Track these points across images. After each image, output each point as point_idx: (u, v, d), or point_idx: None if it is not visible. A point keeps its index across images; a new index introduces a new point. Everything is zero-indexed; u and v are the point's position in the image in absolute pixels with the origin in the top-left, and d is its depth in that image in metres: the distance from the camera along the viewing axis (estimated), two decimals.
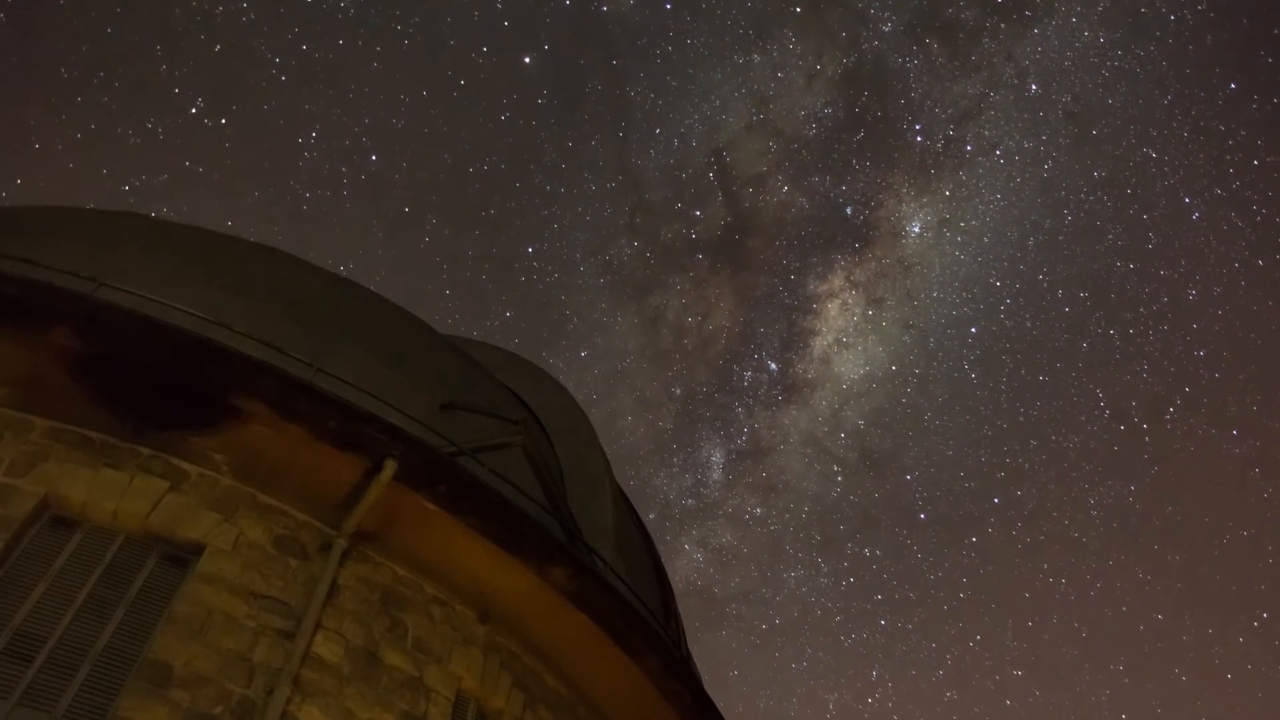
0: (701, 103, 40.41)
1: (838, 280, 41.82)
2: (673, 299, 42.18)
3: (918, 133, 39.74)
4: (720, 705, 8.35)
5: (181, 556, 6.02)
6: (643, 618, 7.65)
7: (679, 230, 41.68)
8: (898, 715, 39.07)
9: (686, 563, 40.39)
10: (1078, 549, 38.95)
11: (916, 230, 40.81)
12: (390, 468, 6.35)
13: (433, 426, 7.72)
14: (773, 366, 42.05)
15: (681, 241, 41.93)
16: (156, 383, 6.24)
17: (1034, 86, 38.37)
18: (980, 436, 41.02)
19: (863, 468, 42.45)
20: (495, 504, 6.87)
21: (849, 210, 40.81)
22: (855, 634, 40.26)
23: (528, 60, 39.56)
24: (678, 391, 42.44)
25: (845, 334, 41.50)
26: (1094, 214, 38.82)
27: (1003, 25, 38.27)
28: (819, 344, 41.82)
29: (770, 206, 41.44)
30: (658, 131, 40.76)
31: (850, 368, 41.77)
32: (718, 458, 41.99)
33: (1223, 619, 36.79)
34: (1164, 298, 37.69)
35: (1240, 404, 36.66)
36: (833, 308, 41.53)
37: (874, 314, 41.67)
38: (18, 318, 6.03)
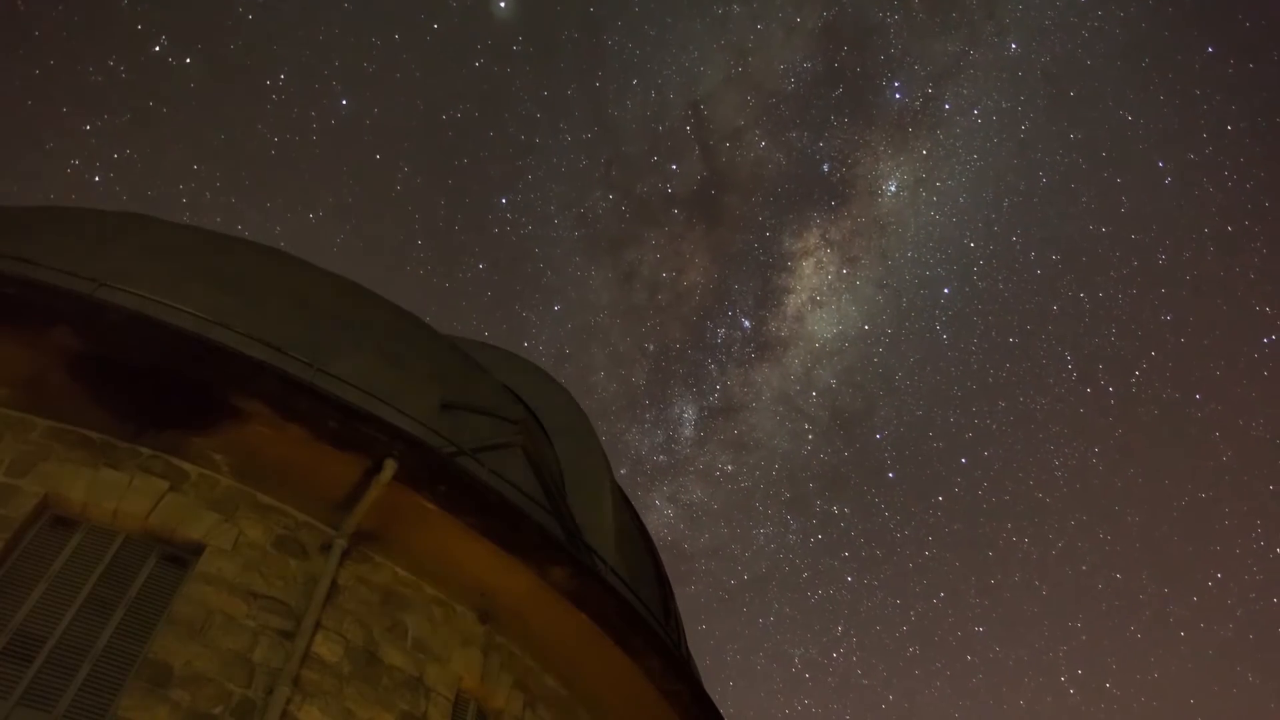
0: (680, 54, 40.16)
1: (813, 238, 41.91)
2: (647, 254, 42.04)
3: (896, 90, 39.85)
4: None
5: (181, 556, 6.02)
6: (643, 618, 7.65)
7: (655, 184, 41.38)
8: (861, 669, 39.74)
9: (657, 518, 40.64)
10: (1041, 509, 39.68)
11: (893, 189, 40.99)
12: (390, 468, 6.35)
13: (433, 426, 7.72)
14: (746, 324, 42.36)
15: (657, 195, 41.64)
16: (156, 383, 6.24)
17: (1014, 45, 38.58)
18: (950, 397, 41.50)
19: (833, 426, 42.81)
20: (495, 504, 6.87)
21: (826, 167, 40.87)
22: (822, 590, 40.85)
23: (503, 4, 38.75)
24: (651, 347, 42.58)
25: (819, 292, 41.70)
26: (1069, 176, 39.04)
27: None
28: (793, 302, 42.01)
29: (747, 162, 41.33)
30: (635, 82, 40.44)
31: (823, 326, 42.09)
32: (690, 414, 42.28)
33: (1178, 578, 37.69)
34: (1134, 262, 38.08)
35: (1204, 369, 37.29)
36: (807, 266, 41.68)
37: (848, 273, 41.82)
38: (18, 318, 6.03)
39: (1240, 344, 36.25)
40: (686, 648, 10.90)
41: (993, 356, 40.79)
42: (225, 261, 9.30)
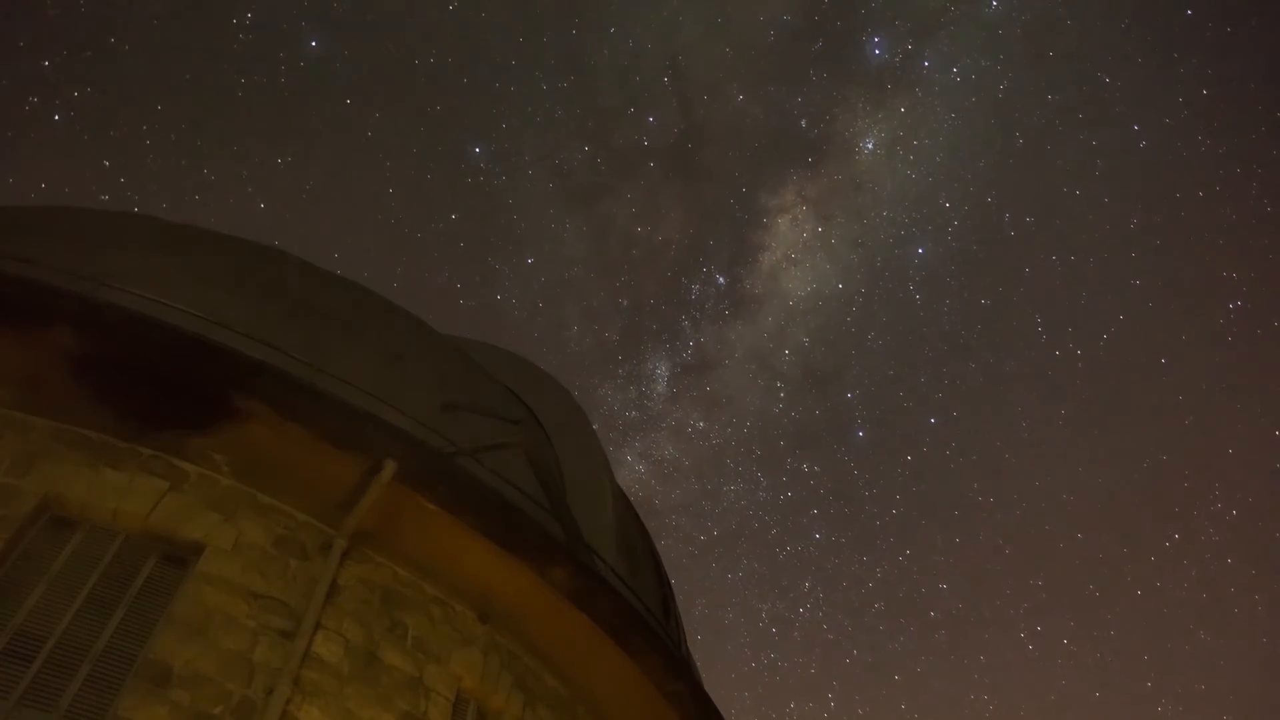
0: (659, 3, 39.55)
1: (789, 195, 41.70)
2: (622, 207, 41.56)
3: (876, 46, 39.63)
4: None
5: (181, 556, 6.02)
6: (643, 618, 7.65)
7: (631, 136, 40.77)
8: (827, 624, 40.19)
9: (628, 474, 40.64)
10: (1007, 469, 40.30)
11: (870, 147, 40.75)
12: (390, 468, 6.35)
13: (433, 426, 7.72)
14: (721, 280, 42.21)
15: (633, 148, 41.04)
16: (156, 383, 6.24)
17: (994, 3, 38.31)
18: (921, 357, 41.74)
19: (805, 385, 42.86)
20: (495, 504, 6.87)
21: (803, 123, 40.58)
22: (790, 547, 41.13)
23: None
24: (624, 302, 42.31)
25: (794, 250, 41.55)
26: (1044, 137, 39.08)
27: None
28: (768, 259, 41.91)
29: (724, 116, 40.93)
30: (613, 31, 39.78)
31: (798, 284, 41.97)
32: (663, 370, 42.21)
33: (1137, 539, 38.21)
34: (1106, 225, 38.30)
35: (1171, 333, 37.66)
36: (783, 223, 41.52)
37: (823, 231, 41.70)
38: (18, 318, 6.03)
39: (1206, 309, 36.81)
40: (687, 648, 10.90)
41: (964, 317, 41.23)
42: (225, 261, 9.29)
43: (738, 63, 40.66)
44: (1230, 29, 34.90)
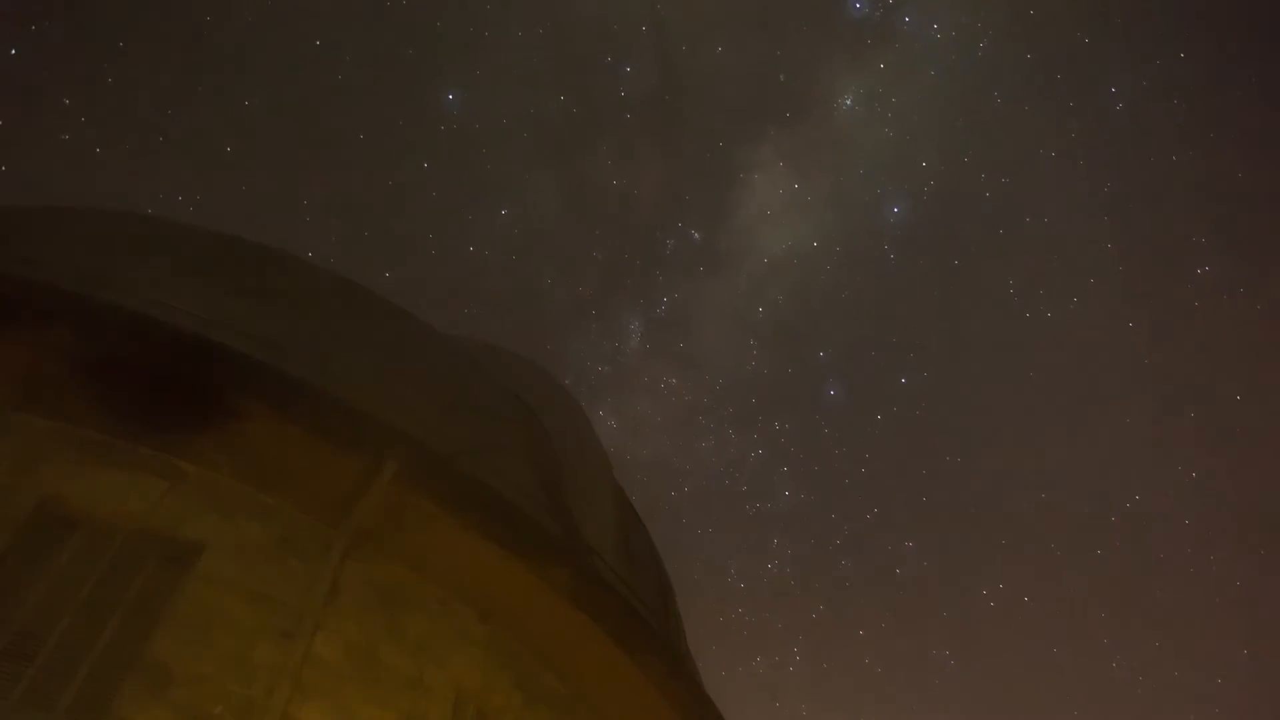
0: None
1: (766, 150, 41.51)
2: (598, 160, 41.01)
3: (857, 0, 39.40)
4: None
5: (181, 556, 6.01)
6: (643, 618, 7.65)
7: (608, 87, 40.07)
8: (794, 580, 40.62)
9: (599, 429, 40.41)
10: (975, 429, 40.87)
11: (848, 104, 40.51)
12: (390, 468, 6.35)
13: (433, 426, 7.72)
14: (696, 236, 41.99)
15: (610, 99, 40.42)
16: (156, 383, 6.23)
17: None
18: (893, 317, 41.99)
19: (778, 343, 42.80)
20: (495, 504, 6.87)
21: (782, 77, 40.22)
22: (759, 504, 41.43)
23: None
24: (598, 257, 41.96)
25: (770, 207, 41.40)
26: (1022, 97, 39.08)
27: None
28: (743, 216, 41.72)
29: (703, 68, 40.43)
30: None
31: (773, 241, 41.88)
32: (636, 326, 42.03)
33: (1099, 499, 38.76)
34: (1080, 188, 38.42)
35: (1140, 297, 38.05)
36: (759, 179, 41.24)
37: (800, 188, 41.44)
38: (18, 318, 6.03)
39: (1175, 274, 37.18)
40: (686, 647, 10.90)
41: (938, 278, 41.40)
42: (225, 261, 9.29)
43: (718, 14, 40.10)
44: None
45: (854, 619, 39.90)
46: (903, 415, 41.17)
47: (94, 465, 6.05)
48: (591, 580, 7.29)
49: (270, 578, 6.11)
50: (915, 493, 40.74)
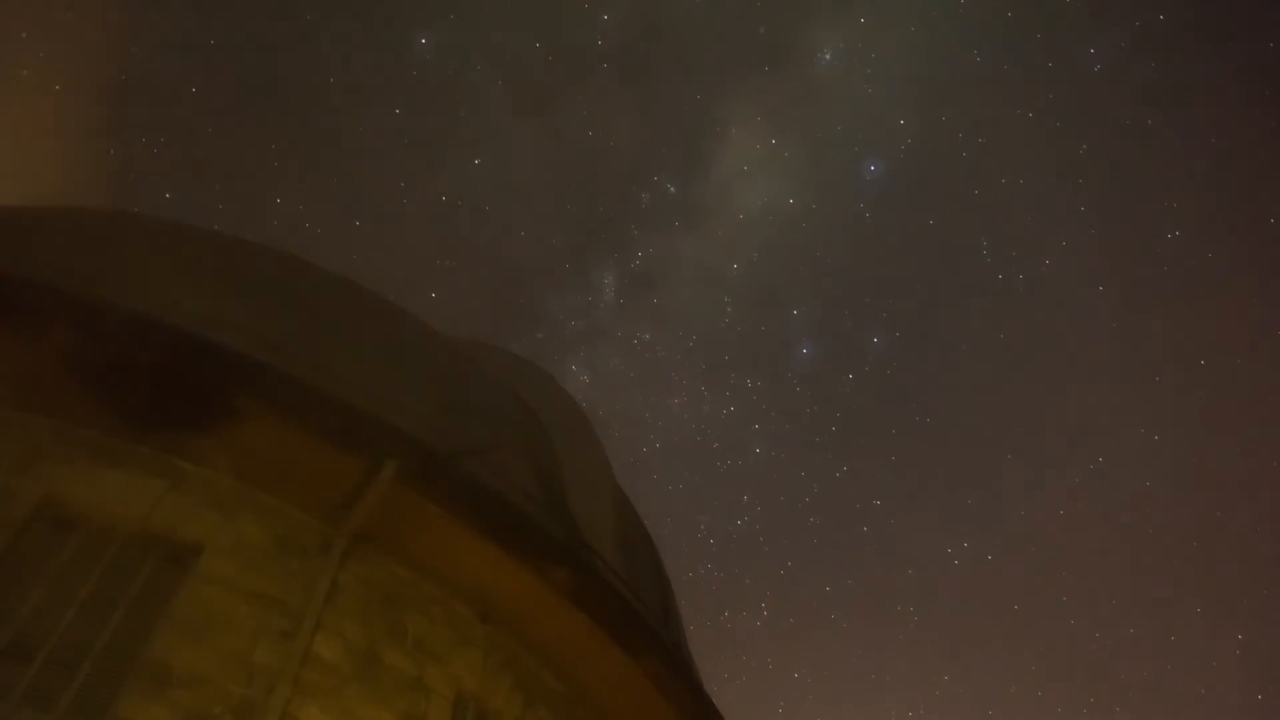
0: None
1: (744, 104, 41.00)
2: (573, 110, 40.10)
3: None
4: None
5: (181, 556, 6.02)
6: (643, 618, 7.66)
7: (585, 35, 39.20)
8: (764, 537, 40.97)
9: (572, 384, 40.08)
10: (945, 389, 41.08)
11: (828, 58, 40.11)
12: (390, 468, 6.35)
13: (433, 426, 7.72)
14: (671, 190, 41.54)
15: (587, 47, 39.57)
16: (156, 383, 6.23)
17: None
18: (867, 276, 41.99)
19: (752, 300, 42.70)
20: (495, 504, 6.87)
21: (762, 29, 39.66)
22: (730, 460, 41.59)
23: None
24: (572, 209, 41.46)
25: (747, 162, 40.99)
26: (1001, 56, 39.00)
27: None
28: (720, 170, 41.34)
29: (682, 18, 39.76)
30: None
31: (749, 197, 41.51)
32: (610, 280, 41.73)
33: (1064, 458, 39.26)
34: (1056, 149, 38.38)
35: (1111, 260, 38.22)
36: (737, 133, 40.85)
37: (777, 143, 40.96)
38: (18, 318, 6.03)
39: (1147, 237, 37.40)
40: (687, 648, 10.90)
41: (911, 236, 41.45)
42: (225, 261, 9.29)
43: None
44: None
45: (821, 575, 40.65)
46: (874, 374, 41.55)
47: (94, 465, 6.05)
48: (591, 580, 7.29)
49: (270, 578, 6.11)
50: (884, 452, 41.18)
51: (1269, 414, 34.81)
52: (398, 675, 6.32)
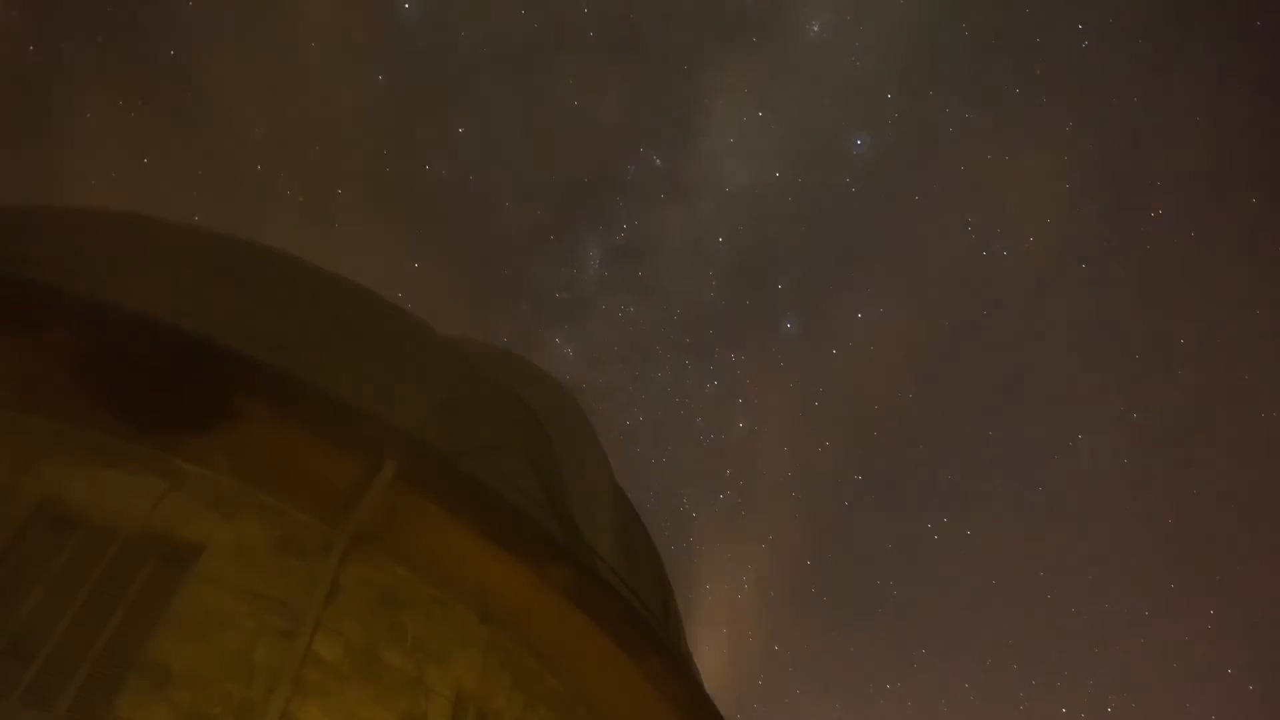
0: None
1: (731, 76, 40.54)
2: (559, 79, 39.37)
3: None
4: None
5: (181, 556, 6.02)
6: (643, 618, 7.66)
7: (571, 3, 38.41)
8: (745, 510, 40.94)
9: (555, 357, 40.01)
10: (927, 364, 41.13)
11: (816, 30, 39.68)
12: (390, 468, 6.35)
13: (433, 426, 7.72)
14: (657, 162, 41.11)
15: (574, 15, 38.91)
16: (156, 383, 6.24)
17: None
18: (852, 251, 41.83)
19: (737, 274, 42.54)
20: (495, 504, 6.87)
21: (750, 0, 39.29)
22: (714, 435, 41.51)
23: None
24: (557, 180, 41.18)
25: (734, 134, 40.56)
26: (989, 32, 38.71)
27: None
28: (706, 143, 41.02)
29: None
30: None
31: (735, 170, 41.19)
32: (595, 253, 41.42)
33: (1044, 436, 39.62)
34: (1042, 127, 38.29)
35: (1094, 237, 38.16)
36: (723, 105, 40.46)
37: (764, 116, 40.43)
38: (18, 318, 6.03)
39: (1130, 216, 37.38)
40: (687, 648, 10.90)
41: (897, 213, 41.19)
42: (226, 261, 9.30)
43: None
44: None
45: (802, 550, 41.13)
46: (857, 350, 41.30)
47: (94, 465, 6.05)
48: (591, 580, 7.29)
49: (270, 578, 6.11)
50: (866, 428, 41.13)
51: (1249, 392, 35.17)
52: (398, 675, 6.33)
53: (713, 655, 37.18)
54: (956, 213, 39.72)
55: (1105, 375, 38.21)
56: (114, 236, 8.97)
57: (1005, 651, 38.15)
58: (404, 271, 37.31)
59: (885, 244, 41.65)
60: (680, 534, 39.32)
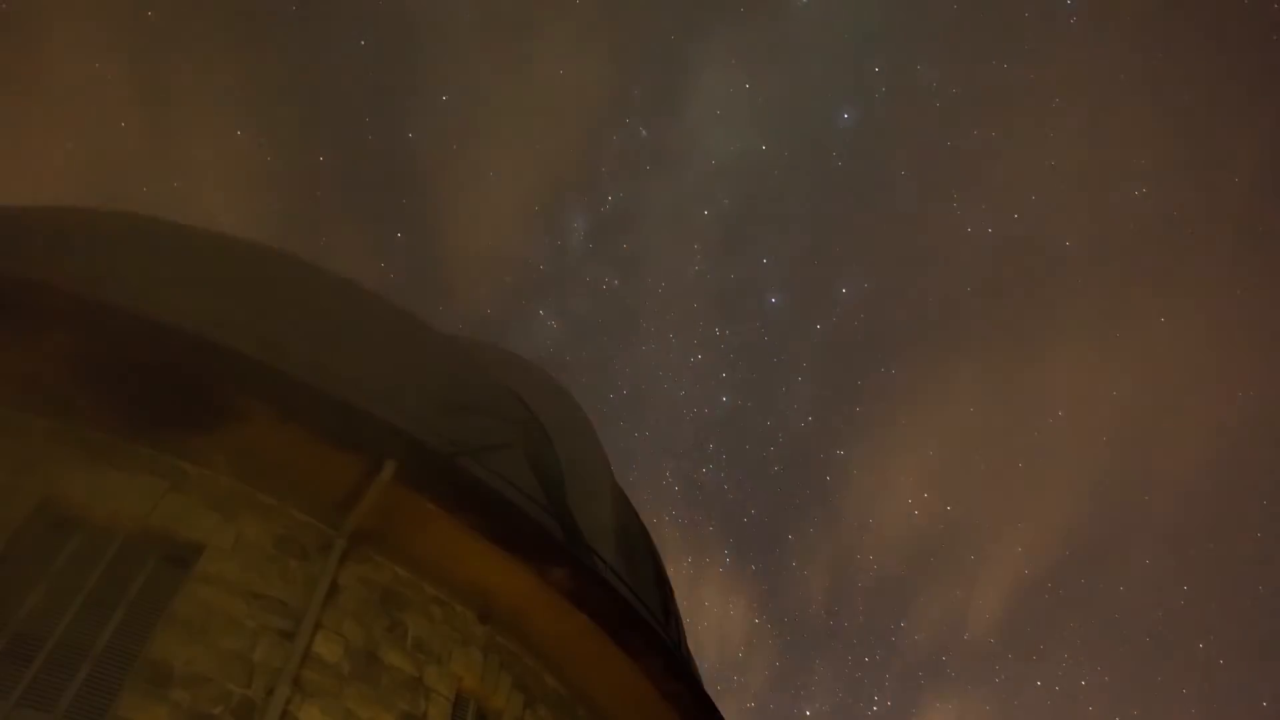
0: None
1: (718, 47, 40.38)
2: (545, 47, 38.83)
3: None
4: None
5: (181, 556, 6.02)
6: (643, 618, 7.65)
7: None
8: (728, 485, 41.21)
9: (540, 329, 40.05)
10: (911, 341, 41.38)
11: (804, 1, 39.66)
12: (390, 468, 6.35)
13: (433, 426, 7.72)
14: (643, 133, 40.99)
15: None
16: (156, 383, 6.23)
17: None
18: (837, 225, 41.82)
19: (721, 248, 42.39)
20: (495, 504, 6.87)
21: None
22: (697, 409, 41.69)
23: None
24: (543, 149, 40.55)
25: (720, 106, 40.46)
26: (977, 6, 38.73)
27: None
28: (692, 114, 40.79)
29: None
30: None
31: (721, 142, 41.01)
32: (580, 224, 41.31)
33: (1024, 413, 39.68)
34: (1028, 102, 38.38)
35: (1078, 214, 38.36)
36: (710, 76, 40.23)
37: (750, 88, 40.39)
38: (18, 318, 6.03)
39: (1115, 192, 37.49)
40: (687, 648, 10.90)
41: (883, 187, 41.15)
42: (225, 261, 9.30)
43: None
44: None
45: (784, 523, 41.03)
46: (842, 326, 41.36)
47: (94, 465, 6.05)
48: (591, 580, 7.29)
49: (270, 578, 6.12)
50: (849, 403, 41.21)
51: (1229, 367, 35.39)
52: (397, 675, 6.33)
53: (694, 627, 37.48)
54: (942, 189, 39.81)
55: (1086, 352, 38.49)
56: (114, 236, 8.97)
57: (983, 624, 38.60)
58: (386, 241, 37.24)
59: (871, 218, 41.60)
60: (662, 507, 39.67)
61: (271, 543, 6.30)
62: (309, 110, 36.52)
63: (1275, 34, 33.06)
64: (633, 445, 40.60)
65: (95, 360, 6.11)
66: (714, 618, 38.85)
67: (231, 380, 6.24)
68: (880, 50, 39.69)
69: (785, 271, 42.25)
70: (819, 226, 42.02)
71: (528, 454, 8.79)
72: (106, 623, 5.54)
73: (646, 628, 7.63)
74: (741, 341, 41.95)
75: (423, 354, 9.85)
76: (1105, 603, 37.25)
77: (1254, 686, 34.42)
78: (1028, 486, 39.04)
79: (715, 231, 42.21)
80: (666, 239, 41.87)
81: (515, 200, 40.80)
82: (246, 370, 6.24)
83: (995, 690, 37.66)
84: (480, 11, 38.45)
